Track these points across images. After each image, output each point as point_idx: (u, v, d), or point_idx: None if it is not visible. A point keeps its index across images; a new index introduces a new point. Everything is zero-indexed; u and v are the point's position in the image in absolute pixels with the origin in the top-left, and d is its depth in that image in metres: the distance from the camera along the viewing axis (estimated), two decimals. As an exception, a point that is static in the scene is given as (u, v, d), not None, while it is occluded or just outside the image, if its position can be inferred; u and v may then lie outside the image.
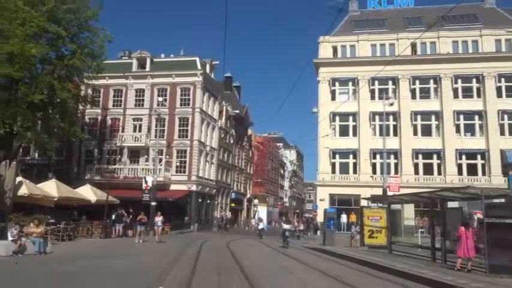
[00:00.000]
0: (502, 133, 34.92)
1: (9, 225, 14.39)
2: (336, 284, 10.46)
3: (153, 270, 11.45)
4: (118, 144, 39.52)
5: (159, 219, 22.78)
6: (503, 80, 35.59)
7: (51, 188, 24.59)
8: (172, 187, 37.93)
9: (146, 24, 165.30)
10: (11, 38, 25.79)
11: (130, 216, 27.71)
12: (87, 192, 27.81)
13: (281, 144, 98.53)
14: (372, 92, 37.45)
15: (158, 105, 37.55)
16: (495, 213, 11.37)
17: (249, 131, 60.87)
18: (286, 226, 22.81)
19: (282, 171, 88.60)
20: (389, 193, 25.36)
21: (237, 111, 51.61)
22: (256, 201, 61.44)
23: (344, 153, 37.10)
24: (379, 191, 27.61)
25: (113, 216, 25.85)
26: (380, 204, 23.04)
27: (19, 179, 22.43)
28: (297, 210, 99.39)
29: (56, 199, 23.78)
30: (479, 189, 11.79)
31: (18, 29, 25.84)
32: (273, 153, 75.24)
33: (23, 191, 22.05)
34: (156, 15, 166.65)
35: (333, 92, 38.25)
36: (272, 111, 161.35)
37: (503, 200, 12.54)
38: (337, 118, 37.45)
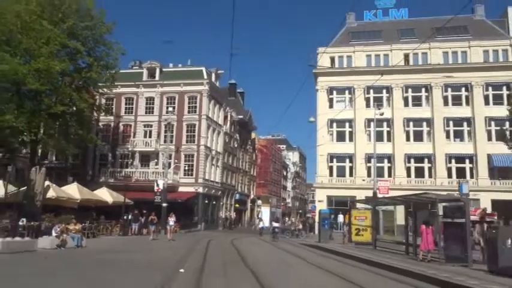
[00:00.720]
0: (489, 139, 37.24)
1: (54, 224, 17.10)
2: (318, 270, 13.04)
3: (171, 260, 14.07)
4: (130, 149, 42.30)
5: (171, 219, 25.36)
6: (490, 88, 37.94)
7: (73, 190, 27.41)
8: (181, 189, 40.59)
9: (153, 31, 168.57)
10: (37, 56, 28.71)
11: (144, 216, 30.47)
12: (105, 194, 30.65)
13: (284, 146, 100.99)
14: (367, 100, 39.91)
15: (167, 113, 40.36)
16: (450, 214, 13.91)
17: (253, 135, 63.49)
18: (275, 224, 25.75)
19: (284, 173, 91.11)
20: (380, 195, 27.97)
21: (241, 117, 54.28)
22: (259, 202, 64.07)
23: (341, 158, 39.64)
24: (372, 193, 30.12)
25: (130, 216, 28.54)
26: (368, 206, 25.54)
27: (47, 183, 25.29)
28: (300, 211, 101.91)
29: (78, 201, 26.62)
30: (435, 195, 14.32)
31: (43, 47, 28.68)
32: (275, 155, 77.81)
33: (51, 193, 24.88)
34: (163, 23, 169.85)
35: (330, 100, 40.78)
36: (276, 113, 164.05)
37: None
38: (335, 124, 39.96)
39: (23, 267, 11.92)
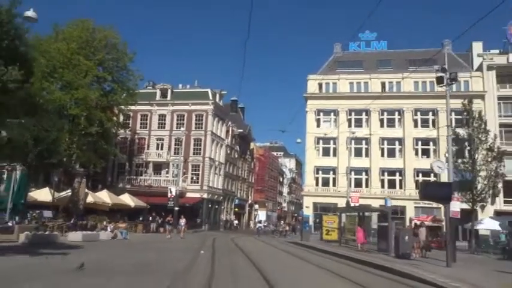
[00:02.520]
0: (457, 154, 43.84)
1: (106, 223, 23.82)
2: (289, 256, 19.67)
3: (190, 248, 20.66)
4: (144, 159, 49.01)
5: (182, 221, 31.88)
6: (453, 113, 44.57)
7: (105, 196, 34.09)
8: (188, 195, 47.21)
9: (161, 50, 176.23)
10: (76, 87, 35.47)
11: (158, 218, 37.10)
12: (127, 199, 37.33)
13: (282, 153, 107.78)
14: (349, 121, 46.59)
15: (177, 128, 47.09)
16: (382, 219, 20.58)
17: (251, 145, 70.19)
18: (259, 224, 32.68)
19: (281, 179, 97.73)
20: (352, 203, 34.59)
21: (241, 130, 61.03)
22: (256, 206, 70.73)
23: (325, 170, 46.34)
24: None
25: (150, 218, 35.22)
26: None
27: (86, 190, 31.94)
28: (295, 214, 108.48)
29: (110, 205, 33.26)
30: (369, 206, 20.99)
31: (82, 80, 35.46)
32: (272, 163, 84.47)
33: (90, 199, 31.51)
34: (171, 43, 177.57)
35: (318, 121, 47.52)
36: (275, 121, 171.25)
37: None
38: (321, 142, 46.70)
39: (110, 248, 18.46)
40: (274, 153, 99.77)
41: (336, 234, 27.64)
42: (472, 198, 30.72)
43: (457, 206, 17.21)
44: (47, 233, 19.66)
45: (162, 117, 50.45)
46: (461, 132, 34.68)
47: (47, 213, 25.79)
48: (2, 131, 14.26)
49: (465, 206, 32.52)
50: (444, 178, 43.17)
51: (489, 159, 31.05)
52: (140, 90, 50.12)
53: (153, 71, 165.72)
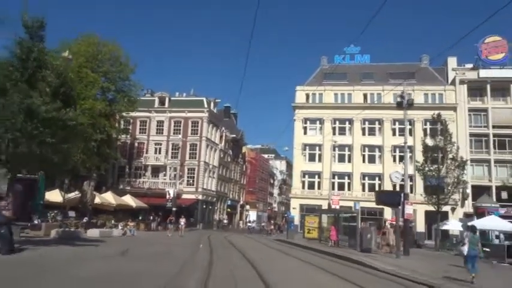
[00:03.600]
0: (426, 161, 47.99)
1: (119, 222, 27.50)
2: (273, 250, 23.47)
3: (191, 243, 24.35)
4: (143, 163, 52.52)
5: (182, 221, 35.46)
6: (428, 123, 48.78)
7: (110, 197, 37.62)
8: (184, 196, 50.82)
9: (158, 58, 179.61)
10: (83, 98, 38.91)
11: (159, 218, 40.74)
12: (129, 200, 40.89)
13: (273, 155, 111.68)
14: (334, 129, 50.58)
15: (175, 134, 50.66)
16: (350, 220, 24.48)
17: (244, 149, 73.97)
18: (250, 224, 36.29)
19: (271, 181, 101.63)
20: (333, 206, 38.50)
21: (234, 135, 64.77)
22: (247, 207, 74.53)
23: (311, 174, 50.26)
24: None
25: (151, 217, 38.84)
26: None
27: (93, 192, 35.45)
28: (286, 214, 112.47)
29: (115, 205, 36.81)
30: (340, 209, 24.88)
31: (89, 91, 38.96)
32: (263, 166, 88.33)
33: (97, 200, 35.04)
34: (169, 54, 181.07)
35: (305, 128, 51.42)
36: (268, 123, 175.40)
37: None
38: (307, 148, 50.61)
39: (125, 242, 22.03)
40: (266, 156, 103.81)
41: (316, 233, 31.47)
42: (437, 202, 34.89)
43: (410, 209, 21.22)
44: (72, 229, 23.24)
45: (160, 123, 54.00)
46: (430, 142, 38.97)
47: (71, 213, 29.26)
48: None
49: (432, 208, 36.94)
50: (420, 184, 47.48)
51: (453, 168, 35.20)
52: (140, 98, 53.91)
53: (150, 77, 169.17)
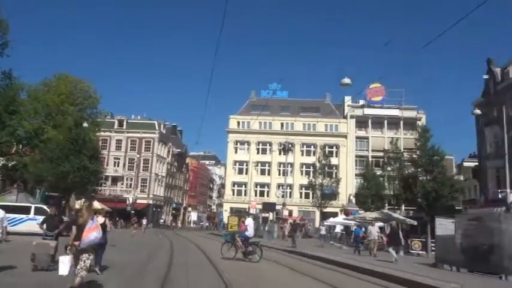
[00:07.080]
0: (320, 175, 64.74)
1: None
2: (204, 238, 37.67)
3: (152, 237, 37.73)
4: (105, 174, 64.19)
5: (144, 221, 48.35)
6: (327, 147, 65.49)
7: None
8: (138, 201, 63.28)
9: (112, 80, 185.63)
10: (61, 125, 50.53)
11: (120, 219, 53.27)
12: (97, 205, 53.06)
13: (213, 161, 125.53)
14: (258, 149, 65.75)
15: (131, 151, 63.08)
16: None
17: (187, 160, 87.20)
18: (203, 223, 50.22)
19: (211, 185, 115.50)
20: (252, 209, 53.42)
21: (179, 150, 78.00)
22: (189, 209, 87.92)
23: (240, 184, 65.05)
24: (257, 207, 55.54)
25: (117, 219, 51.41)
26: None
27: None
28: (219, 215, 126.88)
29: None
30: (249, 211, 39.72)
31: (65, 121, 50.61)
32: (204, 173, 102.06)
33: (76, 207, 47.06)
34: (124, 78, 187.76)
35: (236, 149, 66.12)
36: (210, 135, 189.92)
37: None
38: (237, 163, 65.34)
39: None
40: (207, 162, 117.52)
41: (236, 228, 46.05)
42: (320, 205, 51.09)
43: (285, 211, 36.40)
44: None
45: (118, 141, 66.01)
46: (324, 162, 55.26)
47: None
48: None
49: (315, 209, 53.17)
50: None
51: (332, 182, 51.74)
52: (101, 120, 65.50)
53: (108, 96, 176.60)
